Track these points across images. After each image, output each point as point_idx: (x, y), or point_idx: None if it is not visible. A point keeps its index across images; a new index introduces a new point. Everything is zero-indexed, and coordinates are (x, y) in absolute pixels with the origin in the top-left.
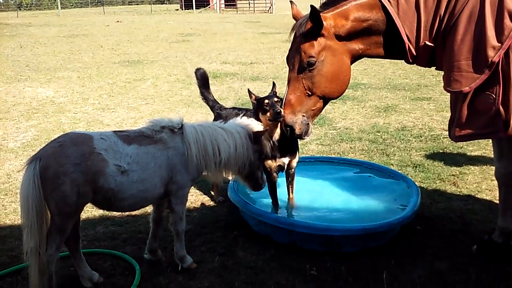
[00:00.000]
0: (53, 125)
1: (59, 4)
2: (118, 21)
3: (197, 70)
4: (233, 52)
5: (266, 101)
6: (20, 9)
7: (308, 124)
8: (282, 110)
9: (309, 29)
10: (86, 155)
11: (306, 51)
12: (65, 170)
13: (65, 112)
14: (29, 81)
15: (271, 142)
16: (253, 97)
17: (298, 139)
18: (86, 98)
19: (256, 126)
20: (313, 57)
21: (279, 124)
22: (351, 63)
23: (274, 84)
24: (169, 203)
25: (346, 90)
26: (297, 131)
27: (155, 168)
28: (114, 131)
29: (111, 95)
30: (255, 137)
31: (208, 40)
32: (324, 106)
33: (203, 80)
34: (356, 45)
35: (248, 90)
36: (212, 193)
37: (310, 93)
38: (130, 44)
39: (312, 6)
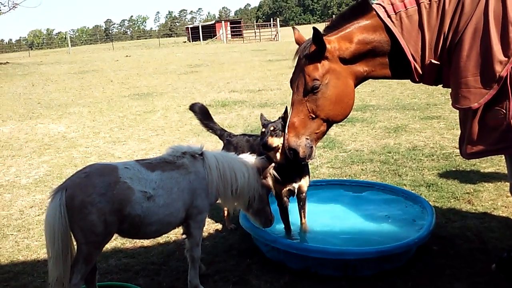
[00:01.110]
0: (65, 160)
1: (69, 42)
2: (127, 56)
3: (193, 105)
4: (240, 81)
5: (263, 129)
6: (31, 49)
7: (312, 147)
8: (269, 141)
9: (312, 52)
10: (112, 184)
11: (311, 74)
12: (91, 200)
13: (76, 146)
14: (41, 118)
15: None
16: (261, 122)
17: (305, 163)
18: (97, 132)
19: (264, 161)
20: (318, 80)
21: (279, 148)
22: (356, 85)
23: (286, 109)
24: (187, 227)
25: (355, 112)
26: (301, 154)
27: (178, 193)
28: (137, 160)
29: (122, 128)
30: (264, 172)
31: (216, 70)
32: (328, 129)
33: (203, 113)
34: (361, 67)
35: (261, 114)
36: (224, 220)
37: (314, 116)
38: (139, 77)
39: (315, 29)
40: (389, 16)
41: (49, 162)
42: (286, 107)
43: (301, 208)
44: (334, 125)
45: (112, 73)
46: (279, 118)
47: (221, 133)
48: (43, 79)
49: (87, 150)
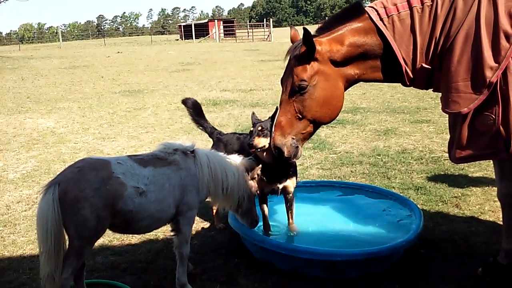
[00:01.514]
0: (53, 155)
1: (60, 36)
2: (118, 52)
3: (186, 99)
4: (232, 80)
5: (251, 129)
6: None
7: (298, 147)
8: (255, 141)
9: (302, 52)
10: (105, 179)
11: (299, 74)
12: (85, 194)
13: (65, 142)
14: (30, 113)
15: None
16: (252, 121)
17: (291, 162)
18: (86, 128)
19: (251, 162)
20: (305, 81)
21: (266, 148)
22: (347, 88)
23: (276, 109)
24: (176, 224)
25: (346, 114)
26: (286, 154)
27: (169, 189)
28: (129, 156)
29: (112, 125)
30: (252, 175)
31: (208, 68)
32: (314, 130)
33: (195, 109)
34: (352, 70)
35: (252, 113)
36: (213, 219)
37: (300, 116)
38: (130, 74)
39: (305, 29)
40: (381, 19)
41: (37, 157)
42: (277, 107)
43: (289, 208)
44: (324, 126)
45: (103, 69)
46: (268, 118)
47: (211, 131)
48: (33, 74)
49: (76, 146)
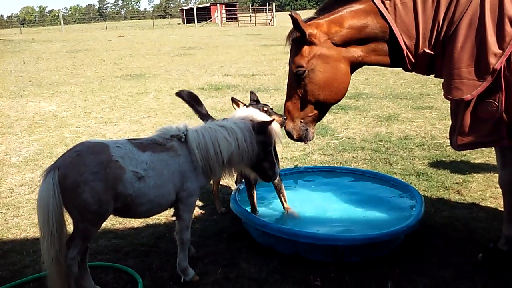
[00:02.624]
0: (56, 139)
1: (61, 20)
2: (120, 36)
3: (181, 92)
4: (234, 65)
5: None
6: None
7: (307, 129)
8: None
9: (297, 37)
10: (104, 163)
11: (295, 61)
12: (84, 178)
13: (67, 126)
14: (32, 96)
15: None
16: (241, 105)
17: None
18: (88, 112)
19: (260, 116)
20: (302, 66)
21: None
22: (353, 70)
23: (252, 92)
24: (177, 210)
25: (348, 100)
26: (295, 137)
27: (168, 175)
28: (128, 139)
29: (114, 109)
30: (259, 128)
31: (210, 53)
32: (322, 111)
33: (193, 99)
34: (354, 52)
35: (232, 98)
36: (215, 204)
37: (304, 100)
38: (132, 58)
39: (291, 16)
40: (383, 2)
41: (39, 140)
42: (251, 91)
43: (279, 192)
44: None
45: (104, 53)
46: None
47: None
48: (34, 57)
49: (78, 130)
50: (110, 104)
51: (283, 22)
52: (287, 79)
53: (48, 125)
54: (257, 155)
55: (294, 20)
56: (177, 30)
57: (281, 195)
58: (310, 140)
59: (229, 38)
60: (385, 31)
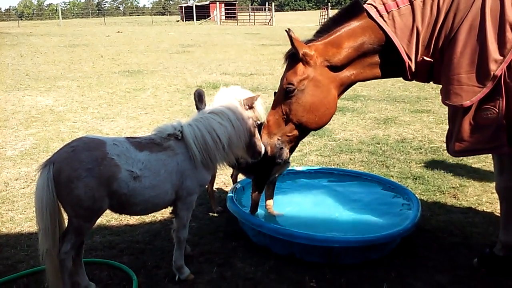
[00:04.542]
0: (52, 133)
1: (60, 14)
2: (118, 32)
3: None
4: (233, 63)
5: None
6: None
7: (282, 148)
8: None
9: (292, 53)
10: (99, 160)
11: (288, 77)
12: (78, 174)
13: (64, 121)
14: (28, 90)
15: None
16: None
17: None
18: (85, 107)
19: (245, 93)
20: (293, 84)
21: None
22: (342, 92)
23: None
24: (175, 208)
25: (346, 102)
26: (269, 153)
27: (165, 175)
28: (127, 138)
29: (111, 105)
30: (247, 104)
31: (208, 51)
32: (301, 135)
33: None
34: (348, 72)
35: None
36: (210, 203)
37: (286, 118)
38: (130, 54)
39: (287, 31)
40: (381, 16)
41: (35, 135)
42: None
43: (268, 188)
44: None
45: (102, 48)
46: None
47: None
48: (32, 51)
49: (75, 125)
50: (107, 100)
51: (282, 22)
52: (277, 92)
53: (45, 119)
54: (249, 132)
55: (290, 37)
56: (176, 27)
57: (270, 189)
58: (282, 160)
59: (228, 37)
60: (382, 44)
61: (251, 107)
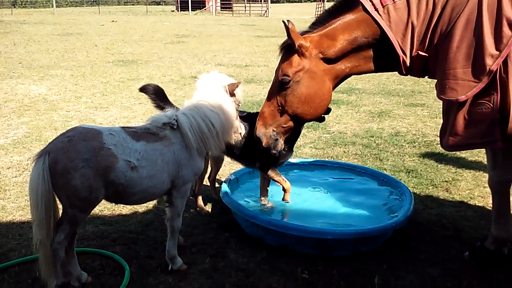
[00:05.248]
0: (45, 122)
1: (54, 2)
2: (113, 21)
3: (146, 86)
4: (228, 55)
5: None
6: (14, 7)
7: (277, 139)
8: None
9: (287, 44)
10: (96, 150)
11: (283, 68)
12: (74, 165)
13: (57, 110)
14: (21, 78)
15: None
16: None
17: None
18: (79, 96)
19: (226, 78)
20: (288, 76)
21: None
22: (337, 85)
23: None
24: (169, 196)
25: (341, 95)
26: (264, 144)
27: (162, 165)
28: (122, 127)
29: (105, 94)
30: (231, 90)
31: (203, 41)
32: (297, 126)
33: (159, 94)
34: (343, 65)
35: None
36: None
37: (282, 110)
38: (124, 44)
39: (284, 22)
40: (376, 9)
41: (28, 123)
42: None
43: (264, 180)
44: None
45: (97, 38)
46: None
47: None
48: (25, 39)
49: (68, 114)
50: (101, 89)
51: (277, 14)
52: (271, 83)
53: (38, 108)
54: (233, 116)
55: (286, 28)
56: (171, 17)
57: (266, 183)
58: (277, 151)
59: (223, 28)
60: (377, 37)
61: (232, 93)
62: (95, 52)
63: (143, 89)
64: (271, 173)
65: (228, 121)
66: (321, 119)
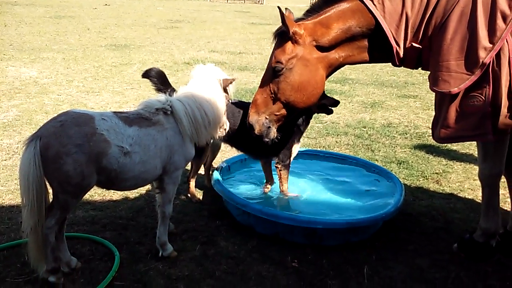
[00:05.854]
0: (36, 105)
1: None
2: (106, 4)
3: (149, 71)
4: (222, 41)
5: None
6: None
7: (270, 127)
8: None
9: (281, 31)
10: (88, 135)
11: (276, 56)
12: (67, 150)
13: (48, 93)
14: (12, 61)
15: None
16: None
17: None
18: (70, 80)
19: (221, 72)
20: (281, 63)
21: None
22: (330, 74)
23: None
24: (161, 182)
25: (334, 84)
26: (256, 131)
27: (155, 150)
28: (114, 112)
29: (96, 78)
30: (224, 85)
31: (197, 27)
32: (289, 114)
33: (160, 78)
34: (336, 54)
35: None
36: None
37: (274, 97)
38: (117, 28)
39: (279, 8)
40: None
41: (19, 106)
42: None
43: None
44: None
45: (89, 21)
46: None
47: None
48: (16, 21)
49: (59, 97)
50: (93, 74)
51: (273, 1)
52: (264, 71)
53: (28, 91)
54: (223, 111)
55: (282, 14)
56: (165, 2)
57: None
58: (270, 139)
59: (217, 14)
60: (371, 28)
61: (225, 89)
62: (87, 36)
63: (146, 74)
64: (284, 173)
65: (218, 115)
66: (328, 111)
